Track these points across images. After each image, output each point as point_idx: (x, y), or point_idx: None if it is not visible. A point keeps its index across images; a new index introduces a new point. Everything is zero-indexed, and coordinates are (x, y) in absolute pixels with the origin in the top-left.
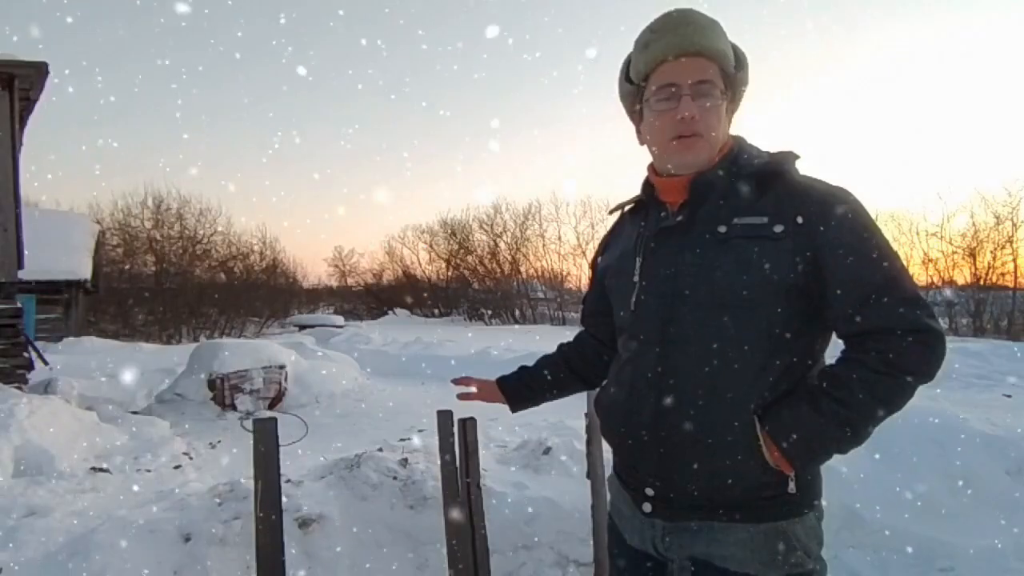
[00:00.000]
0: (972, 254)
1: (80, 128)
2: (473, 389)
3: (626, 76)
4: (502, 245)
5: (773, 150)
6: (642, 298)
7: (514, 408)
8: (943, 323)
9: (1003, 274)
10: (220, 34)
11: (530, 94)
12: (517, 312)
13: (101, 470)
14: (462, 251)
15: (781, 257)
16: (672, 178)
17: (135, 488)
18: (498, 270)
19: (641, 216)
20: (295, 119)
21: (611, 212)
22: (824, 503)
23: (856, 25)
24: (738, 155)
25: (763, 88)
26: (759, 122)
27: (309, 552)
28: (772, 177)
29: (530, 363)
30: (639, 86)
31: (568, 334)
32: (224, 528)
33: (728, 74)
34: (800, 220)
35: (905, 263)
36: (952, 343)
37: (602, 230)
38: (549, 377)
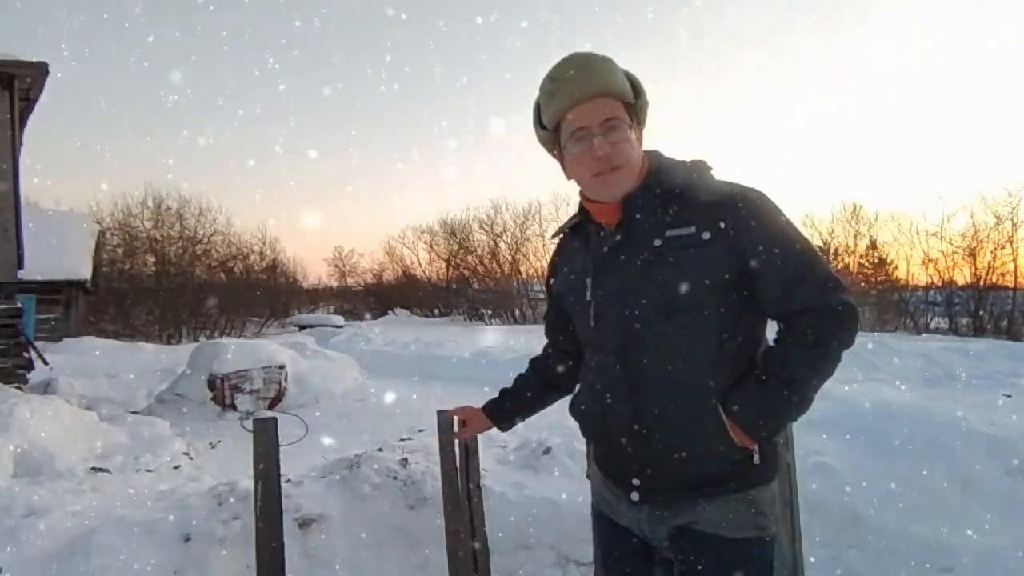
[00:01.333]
0: (972, 254)
1: (80, 128)
2: (468, 423)
3: (539, 122)
4: (502, 245)
5: (685, 160)
6: (598, 314)
7: (503, 428)
8: (943, 322)
9: (1003, 274)
10: (220, 34)
11: (530, 94)
12: (517, 312)
13: (101, 470)
14: (462, 251)
15: (714, 261)
16: (602, 204)
17: (135, 488)
18: (498, 270)
19: (582, 237)
20: (295, 119)
21: (553, 236)
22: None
23: (856, 24)
24: (658, 172)
25: (763, 87)
26: (759, 122)
27: (309, 552)
28: (691, 189)
29: (528, 364)
30: (552, 131)
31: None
32: (224, 528)
33: (629, 104)
34: (722, 225)
35: (814, 247)
36: (952, 343)
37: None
38: (528, 394)
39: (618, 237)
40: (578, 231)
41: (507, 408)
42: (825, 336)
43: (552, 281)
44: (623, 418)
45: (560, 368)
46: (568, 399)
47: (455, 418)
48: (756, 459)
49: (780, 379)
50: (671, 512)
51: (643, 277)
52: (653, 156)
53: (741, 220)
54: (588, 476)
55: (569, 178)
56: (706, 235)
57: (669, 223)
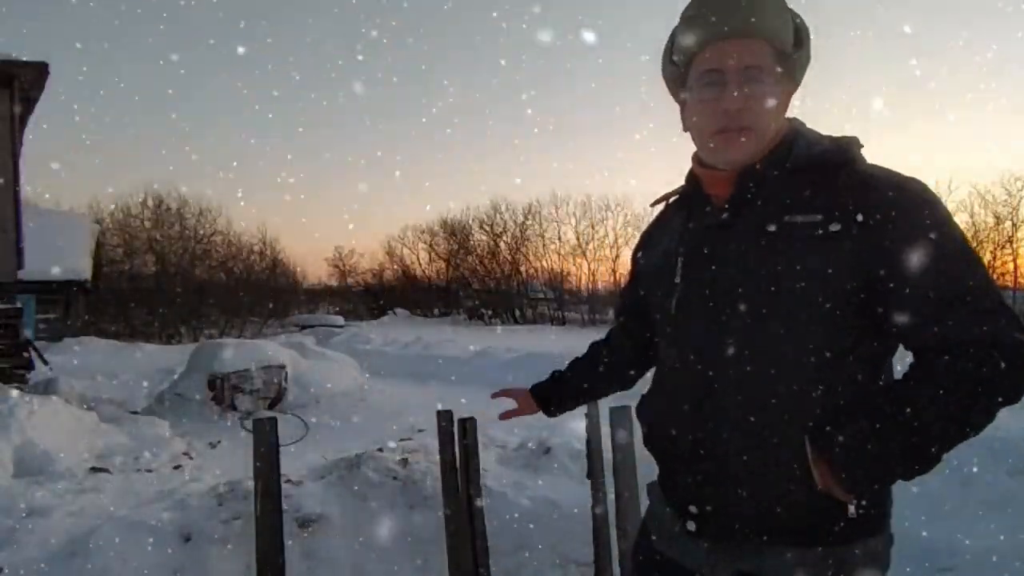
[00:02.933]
0: None
1: (80, 128)
2: (513, 405)
3: (670, 55)
4: (502, 245)
5: (835, 135)
6: (683, 303)
7: (550, 414)
8: None
9: (1003, 274)
10: (220, 34)
11: (530, 93)
12: (517, 312)
13: (101, 470)
14: (462, 251)
15: (838, 259)
16: (718, 171)
17: (135, 488)
18: (498, 270)
19: (686, 210)
20: (295, 119)
21: (653, 204)
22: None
23: (855, 24)
24: (794, 143)
25: None
26: None
27: (309, 552)
28: (831, 168)
29: (530, 362)
30: (682, 67)
31: (568, 334)
32: (224, 528)
33: (784, 54)
34: (860, 217)
35: (986, 269)
36: None
37: (602, 230)
38: (584, 383)
39: (725, 215)
40: (684, 203)
41: (559, 393)
42: (978, 381)
43: (639, 255)
44: (688, 431)
45: (625, 357)
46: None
47: (497, 400)
48: (851, 512)
49: (899, 422)
50: (734, 554)
51: (743, 266)
52: (794, 123)
53: (884, 214)
54: (588, 477)
55: (685, 129)
56: (835, 227)
57: (791, 206)
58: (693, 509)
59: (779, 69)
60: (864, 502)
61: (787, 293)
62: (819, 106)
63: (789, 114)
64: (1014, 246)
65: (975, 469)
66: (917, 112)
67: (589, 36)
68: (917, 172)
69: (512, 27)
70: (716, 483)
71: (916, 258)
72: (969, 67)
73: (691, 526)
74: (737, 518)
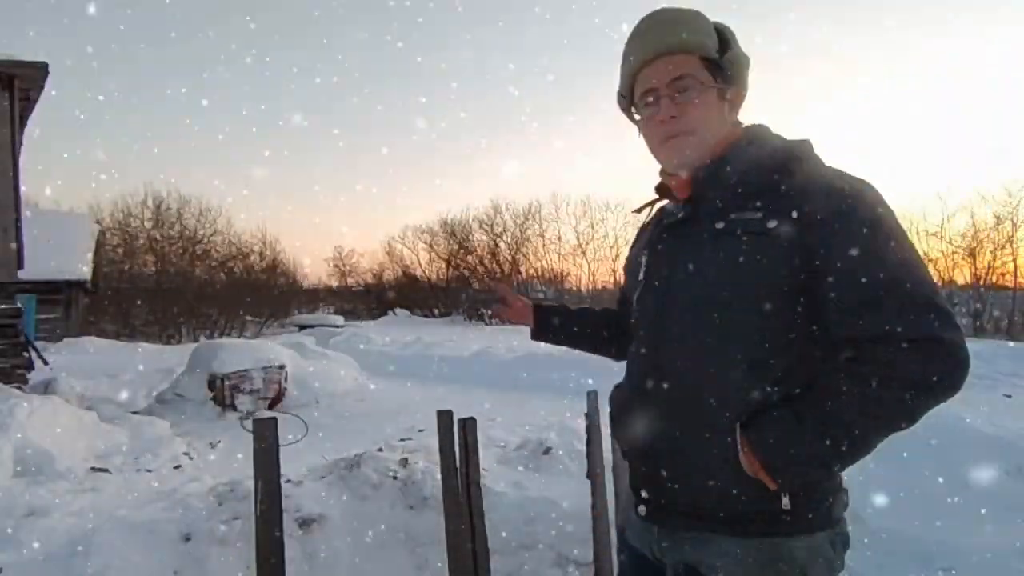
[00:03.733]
0: (972, 254)
1: (80, 128)
2: (510, 305)
3: (619, 90)
4: (502, 245)
5: (785, 137)
6: (642, 297)
7: (535, 336)
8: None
9: (1003, 274)
10: (221, 33)
11: (530, 93)
12: None
13: (101, 470)
14: (462, 251)
15: (773, 255)
16: (676, 176)
17: (135, 488)
18: (498, 270)
19: (659, 213)
20: (295, 119)
21: (636, 211)
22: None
23: (855, 22)
24: (746, 145)
25: (759, 86)
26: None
27: (309, 552)
28: (776, 169)
29: (530, 362)
30: (630, 97)
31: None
32: (224, 528)
33: (711, 60)
34: (795, 215)
35: (924, 266)
36: None
37: (602, 230)
38: (578, 326)
39: (680, 215)
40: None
41: (556, 320)
42: (899, 376)
43: (626, 256)
44: (637, 418)
45: (618, 331)
46: (567, 400)
47: (493, 292)
48: (784, 503)
49: (822, 414)
50: (678, 542)
51: (692, 261)
52: (750, 129)
53: (818, 211)
54: (588, 477)
55: (650, 150)
56: (772, 223)
57: (736, 205)
58: (644, 494)
59: (708, 74)
60: (800, 495)
61: (726, 287)
62: (819, 105)
63: (760, 120)
64: (1014, 246)
65: (975, 469)
66: (918, 112)
67: (589, 35)
68: (918, 172)
69: (513, 27)
70: (659, 468)
71: (847, 254)
72: (969, 67)
73: (642, 510)
74: (677, 504)
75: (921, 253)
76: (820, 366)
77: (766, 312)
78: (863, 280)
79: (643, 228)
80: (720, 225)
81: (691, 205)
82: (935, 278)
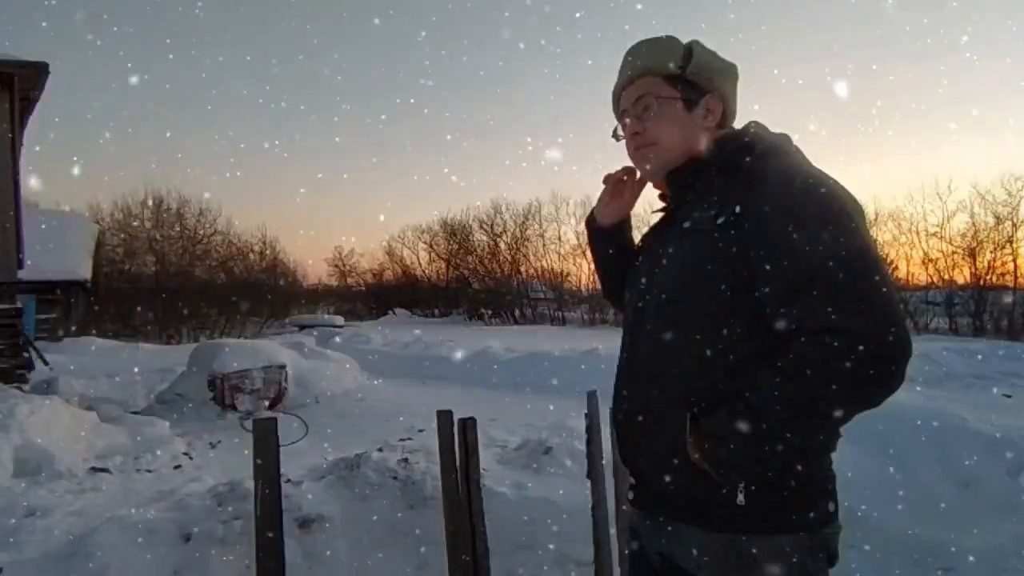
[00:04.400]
0: (972, 254)
1: (80, 128)
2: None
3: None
4: (502, 245)
5: (761, 135)
6: (630, 295)
7: (614, 227)
8: (943, 323)
9: (1003, 274)
10: (221, 34)
11: (531, 93)
12: (517, 312)
13: (101, 470)
14: (462, 251)
15: (718, 250)
16: (659, 181)
17: (135, 488)
18: (498, 270)
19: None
20: (295, 119)
21: (654, 212)
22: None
23: (855, 22)
24: (722, 147)
25: (756, 84)
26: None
27: (309, 552)
28: (734, 166)
29: (530, 362)
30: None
31: (568, 334)
32: (224, 528)
33: (672, 75)
34: (739, 209)
35: (858, 255)
36: (952, 343)
37: None
38: (620, 248)
39: (662, 216)
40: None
41: (624, 233)
42: (819, 370)
43: None
44: (622, 408)
45: None
46: (568, 399)
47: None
48: (739, 499)
49: (750, 409)
50: (658, 531)
51: (663, 260)
52: (731, 130)
53: (757, 205)
54: (588, 477)
55: None
56: (720, 219)
57: (699, 204)
58: (631, 480)
59: (672, 88)
60: (758, 492)
61: (683, 284)
62: (818, 106)
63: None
64: (1014, 246)
65: (975, 469)
66: (917, 112)
67: (590, 35)
68: (917, 171)
69: (514, 27)
70: (634, 456)
71: (778, 245)
72: (970, 67)
73: (630, 495)
74: (653, 493)
75: (922, 253)
76: (768, 361)
77: (714, 307)
78: (789, 272)
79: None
80: (687, 224)
81: (665, 208)
82: (936, 278)
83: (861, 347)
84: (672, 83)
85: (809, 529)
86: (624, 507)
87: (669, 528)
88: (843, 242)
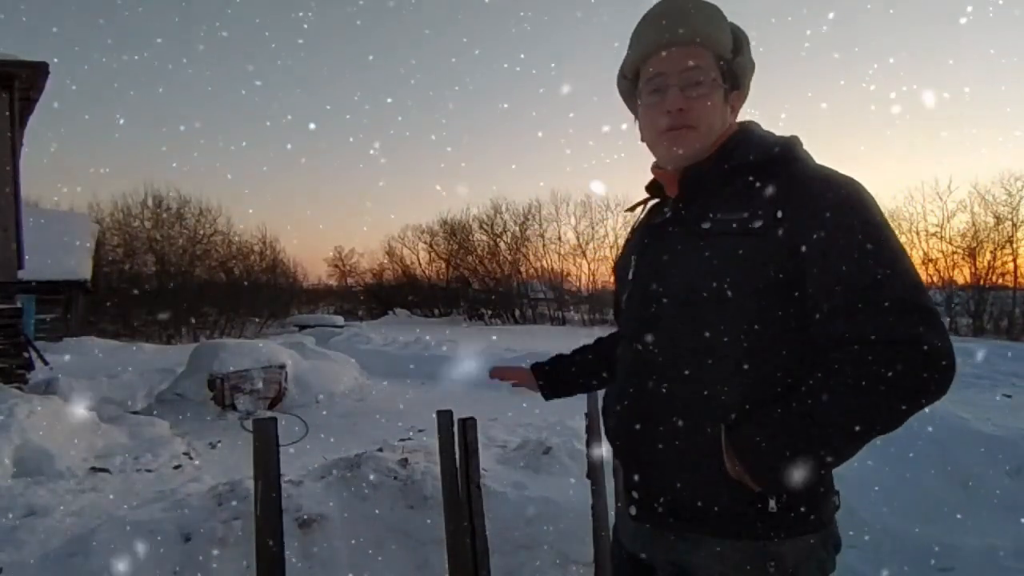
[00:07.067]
0: (972, 254)
1: (80, 128)
2: (510, 379)
3: (623, 72)
4: (502, 245)
5: (776, 135)
6: (631, 297)
7: (548, 397)
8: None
9: (1003, 274)
10: (221, 34)
11: (531, 93)
12: (517, 312)
13: (101, 470)
14: (462, 251)
15: (757, 255)
16: (667, 173)
17: (135, 488)
18: (498, 270)
19: (650, 212)
20: (295, 119)
21: (628, 210)
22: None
23: (855, 22)
24: (738, 144)
25: (759, 86)
26: (755, 119)
27: (309, 552)
28: (764, 167)
29: (531, 362)
30: (633, 80)
31: (568, 334)
32: (224, 528)
33: (723, 59)
34: (780, 214)
35: (911, 266)
36: (952, 343)
37: (602, 230)
38: (582, 372)
39: (668, 213)
40: (652, 206)
41: (557, 379)
42: (877, 379)
43: (617, 258)
44: (628, 418)
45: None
46: (568, 399)
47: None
48: (771, 505)
49: (802, 416)
50: (669, 543)
51: (673, 261)
52: (741, 127)
53: (804, 210)
54: (588, 477)
55: (643, 139)
56: (757, 223)
57: (723, 204)
58: (635, 494)
59: (719, 73)
60: (785, 497)
61: (711, 287)
62: (818, 105)
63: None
64: (1014, 246)
65: (975, 469)
66: (917, 111)
67: (589, 35)
68: (918, 171)
69: (514, 27)
70: (648, 468)
71: (831, 254)
72: (970, 66)
73: (632, 510)
74: (666, 504)
75: (922, 253)
76: (804, 368)
77: (750, 313)
78: (846, 281)
79: (634, 228)
80: (706, 225)
81: (679, 203)
82: (936, 278)
83: (925, 357)
84: (720, 67)
85: (824, 524)
86: (617, 519)
87: (685, 539)
88: (893, 251)
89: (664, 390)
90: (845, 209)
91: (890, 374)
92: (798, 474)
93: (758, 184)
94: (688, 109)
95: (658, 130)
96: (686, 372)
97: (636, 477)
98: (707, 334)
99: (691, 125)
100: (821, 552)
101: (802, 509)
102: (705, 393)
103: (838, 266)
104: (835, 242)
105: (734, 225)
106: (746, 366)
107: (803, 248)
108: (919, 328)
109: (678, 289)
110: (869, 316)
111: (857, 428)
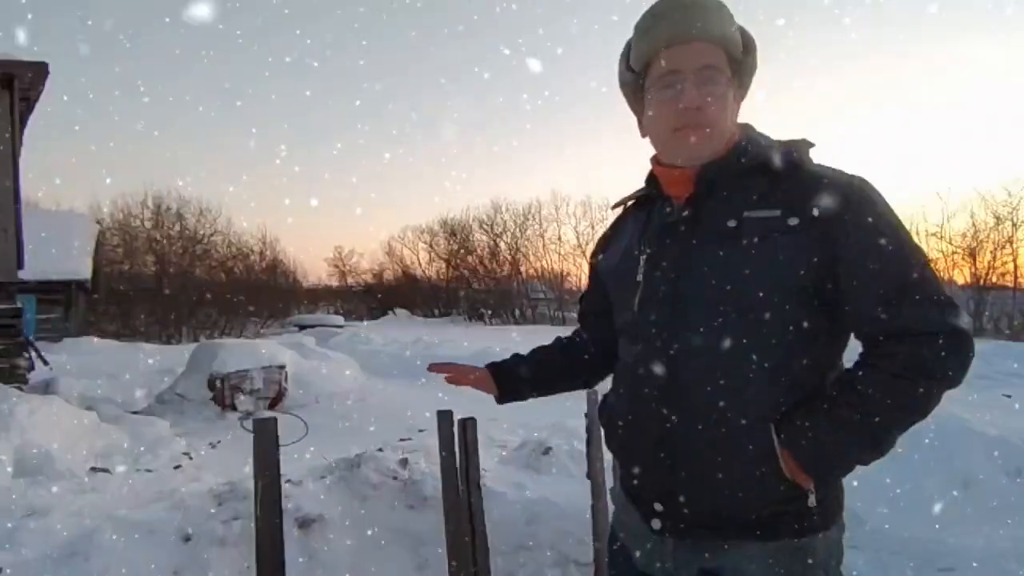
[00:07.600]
0: (972, 254)
1: (80, 128)
2: (463, 382)
3: (627, 63)
4: (502, 245)
5: (784, 139)
6: (646, 300)
7: (501, 400)
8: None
9: (1003, 274)
10: (221, 34)
11: (531, 93)
12: (517, 312)
13: (101, 470)
14: (462, 251)
15: (797, 253)
16: (677, 170)
17: (135, 488)
18: (498, 270)
19: (645, 212)
20: (295, 119)
21: (614, 207)
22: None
23: (855, 22)
24: (747, 144)
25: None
26: (755, 120)
27: (309, 552)
28: (785, 167)
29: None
30: (640, 74)
31: (567, 334)
32: (224, 528)
33: (735, 59)
34: (816, 212)
35: (925, 254)
36: None
37: (602, 230)
38: (543, 372)
39: (687, 212)
40: (643, 205)
41: (517, 377)
42: (926, 368)
43: (600, 257)
44: (651, 427)
45: (587, 356)
46: (568, 400)
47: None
48: (811, 501)
49: (852, 408)
50: (698, 552)
51: (706, 261)
52: (745, 128)
53: (839, 209)
54: (588, 477)
55: (644, 135)
56: (793, 221)
57: (750, 203)
58: (658, 507)
59: (731, 73)
60: (820, 492)
61: (748, 286)
62: (817, 105)
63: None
64: (1014, 246)
65: (975, 470)
66: (917, 111)
67: (589, 35)
68: (918, 171)
69: (514, 27)
70: (680, 477)
71: (868, 252)
72: (970, 66)
73: (656, 524)
74: (702, 513)
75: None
76: (830, 365)
77: (789, 310)
78: (887, 276)
79: (613, 228)
80: (732, 224)
81: (697, 202)
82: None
83: (963, 344)
84: (733, 67)
85: (840, 516)
86: (617, 526)
87: (718, 546)
88: (916, 246)
89: (701, 393)
90: (874, 211)
91: (932, 360)
92: (847, 467)
93: (783, 184)
94: (704, 106)
95: (670, 127)
96: (726, 374)
97: (664, 490)
98: (747, 335)
99: (706, 124)
100: (839, 542)
101: (830, 501)
102: (747, 393)
103: (880, 264)
104: (875, 243)
105: (766, 224)
106: (785, 364)
107: (840, 246)
108: (955, 317)
109: (714, 291)
110: (913, 309)
111: (901, 417)
